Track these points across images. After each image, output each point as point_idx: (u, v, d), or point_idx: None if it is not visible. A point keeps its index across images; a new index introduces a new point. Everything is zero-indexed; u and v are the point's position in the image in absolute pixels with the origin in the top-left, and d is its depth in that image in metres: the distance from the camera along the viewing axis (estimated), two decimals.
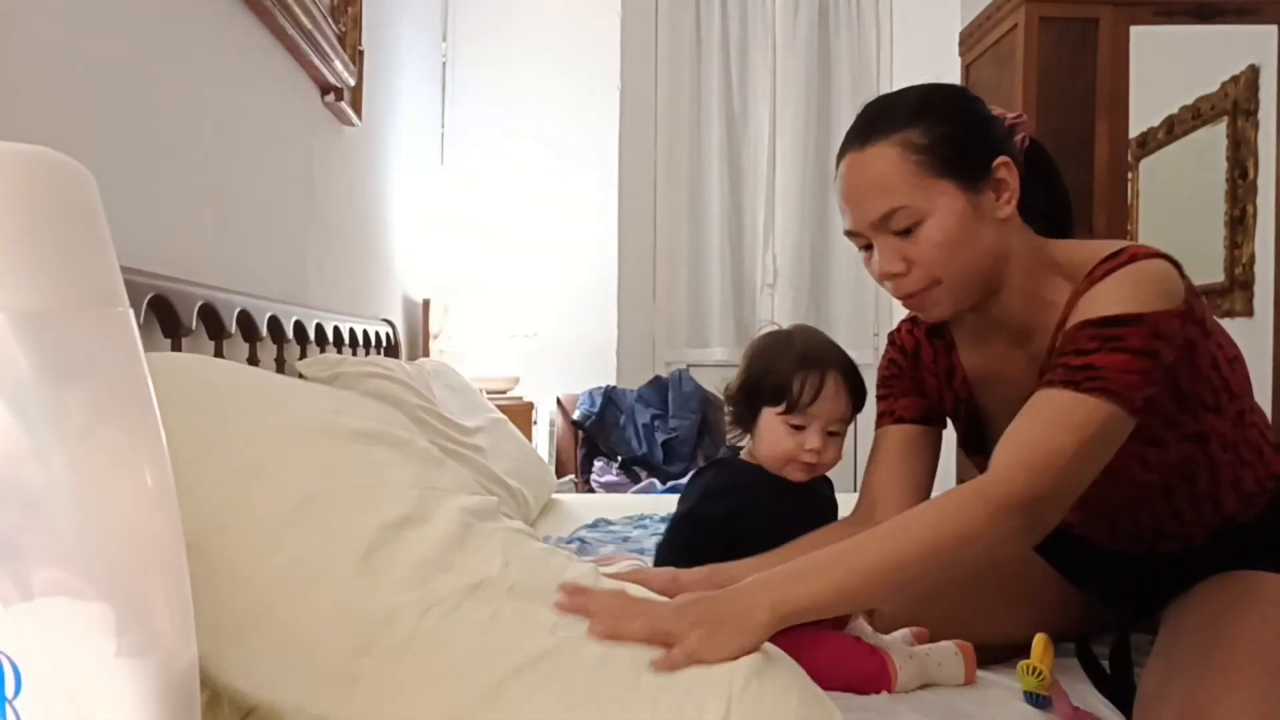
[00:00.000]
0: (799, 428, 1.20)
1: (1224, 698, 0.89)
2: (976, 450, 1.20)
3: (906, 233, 0.99)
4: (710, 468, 1.35)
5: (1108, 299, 0.92)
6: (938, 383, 1.20)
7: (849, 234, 1.08)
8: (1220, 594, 1.02)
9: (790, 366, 1.20)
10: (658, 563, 1.24)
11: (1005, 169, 1.00)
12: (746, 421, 1.26)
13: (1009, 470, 0.87)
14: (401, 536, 0.76)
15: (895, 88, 1.11)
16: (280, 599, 0.70)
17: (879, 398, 1.24)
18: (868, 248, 1.06)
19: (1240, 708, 0.87)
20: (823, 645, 1.00)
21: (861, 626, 1.12)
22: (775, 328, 1.29)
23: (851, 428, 1.27)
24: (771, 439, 1.22)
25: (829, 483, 1.31)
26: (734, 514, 1.21)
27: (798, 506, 1.23)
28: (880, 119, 1.01)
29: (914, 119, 0.99)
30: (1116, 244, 0.99)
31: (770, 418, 1.22)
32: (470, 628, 0.70)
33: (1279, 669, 0.91)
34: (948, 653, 1.09)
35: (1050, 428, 0.89)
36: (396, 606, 0.70)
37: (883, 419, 1.23)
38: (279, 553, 0.72)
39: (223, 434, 0.81)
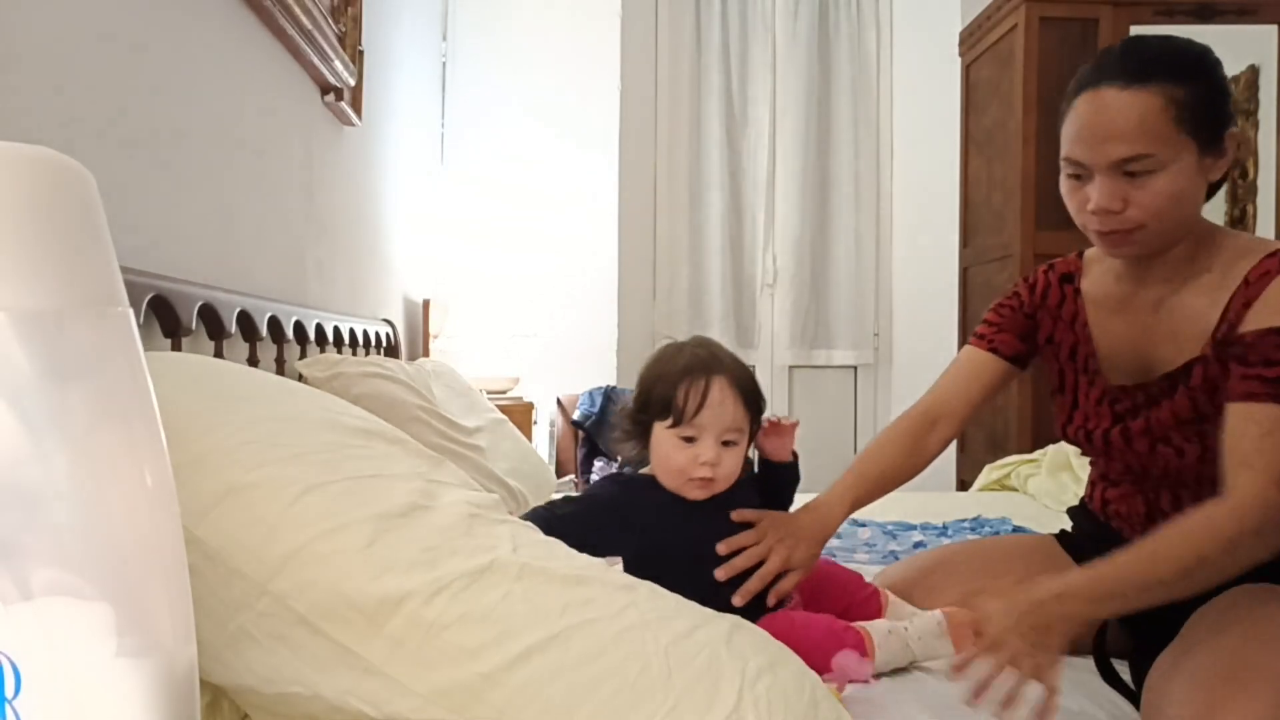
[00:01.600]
0: (690, 440, 1.12)
1: (1234, 699, 0.89)
2: (1058, 390, 1.26)
3: (1135, 175, 1.02)
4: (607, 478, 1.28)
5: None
6: (1054, 324, 1.25)
7: (1069, 161, 1.07)
8: (1239, 601, 1.02)
9: (676, 376, 1.13)
10: None
11: (1231, 140, 1.06)
12: (640, 439, 1.18)
13: (1253, 491, 0.95)
14: (408, 523, 0.77)
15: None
16: (287, 584, 0.71)
17: (986, 321, 1.31)
18: (1078, 177, 1.07)
19: (1251, 710, 0.87)
20: (807, 627, 1.04)
21: (899, 607, 1.16)
22: (670, 340, 1.22)
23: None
24: (663, 454, 1.14)
25: (751, 490, 1.22)
26: (574, 518, 1.12)
27: (695, 527, 1.14)
28: (1151, 65, 1.02)
29: (1181, 74, 1.02)
30: (1270, 242, 1.06)
31: (660, 433, 1.14)
32: (481, 609, 0.71)
33: None
34: (928, 626, 1.09)
35: (1273, 441, 0.96)
36: (407, 589, 0.70)
37: (978, 340, 1.30)
38: (284, 540, 0.72)
39: (226, 423, 0.82)
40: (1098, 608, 0.98)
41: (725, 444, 1.13)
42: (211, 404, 0.85)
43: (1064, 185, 1.10)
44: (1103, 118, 1.03)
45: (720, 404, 1.12)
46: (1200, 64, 1.05)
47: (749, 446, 1.18)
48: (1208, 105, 1.03)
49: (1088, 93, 1.05)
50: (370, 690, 0.68)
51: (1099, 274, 1.22)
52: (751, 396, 1.15)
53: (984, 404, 1.30)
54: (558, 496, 1.26)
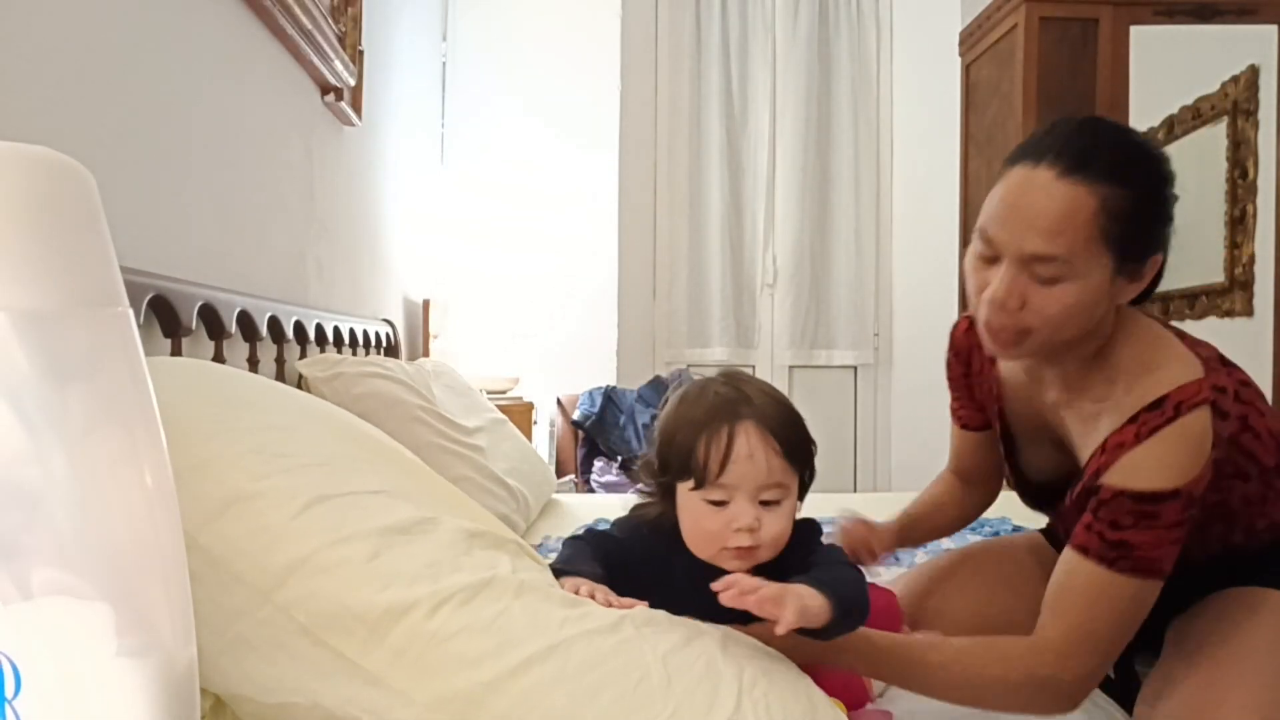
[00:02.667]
0: (720, 504, 0.90)
1: (1226, 701, 0.90)
2: (1008, 455, 1.23)
3: (1043, 281, 0.92)
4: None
5: (1149, 469, 0.91)
6: (982, 390, 1.23)
7: (982, 234, 0.96)
8: (1223, 607, 1.03)
9: (696, 427, 0.91)
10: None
11: (1152, 266, 0.97)
12: (666, 500, 0.95)
13: (1052, 655, 0.92)
14: (411, 539, 0.77)
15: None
16: (290, 594, 0.71)
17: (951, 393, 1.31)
18: (986, 258, 0.96)
19: (1244, 707, 0.88)
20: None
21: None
22: (683, 372, 1.02)
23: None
24: (691, 521, 0.92)
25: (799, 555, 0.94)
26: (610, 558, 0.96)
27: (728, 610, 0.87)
28: (1096, 156, 0.91)
29: (1120, 176, 0.91)
30: (1168, 375, 0.94)
31: (686, 495, 0.92)
32: (482, 621, 0.71)
33: None
34: None
35: (1089, 608, 0.92)
36: (410, 600, 0.71)
37: (952, 415, 1.31)
38: (288, 550, 0.72)
39: (232, 429, 0.82)
40: (882, 673, 0.96)
41: (765, 504, 0.90)
42: (218, 410, 0.85)
43: (970, 258, 0.99)
44: (1028, 200, 0.92)
45: (749, 457, 0.89)
46: (1150, 171, 0.95)
47: (800, 500, 0.94)
48: (1141, 221, 0.93)
49: (1023, 167, 0.94)
50: (371, 699, 0.68)
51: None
52: (794, 442, 0.91)
53: (997, 465, 1.27)
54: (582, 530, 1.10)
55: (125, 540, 0.47)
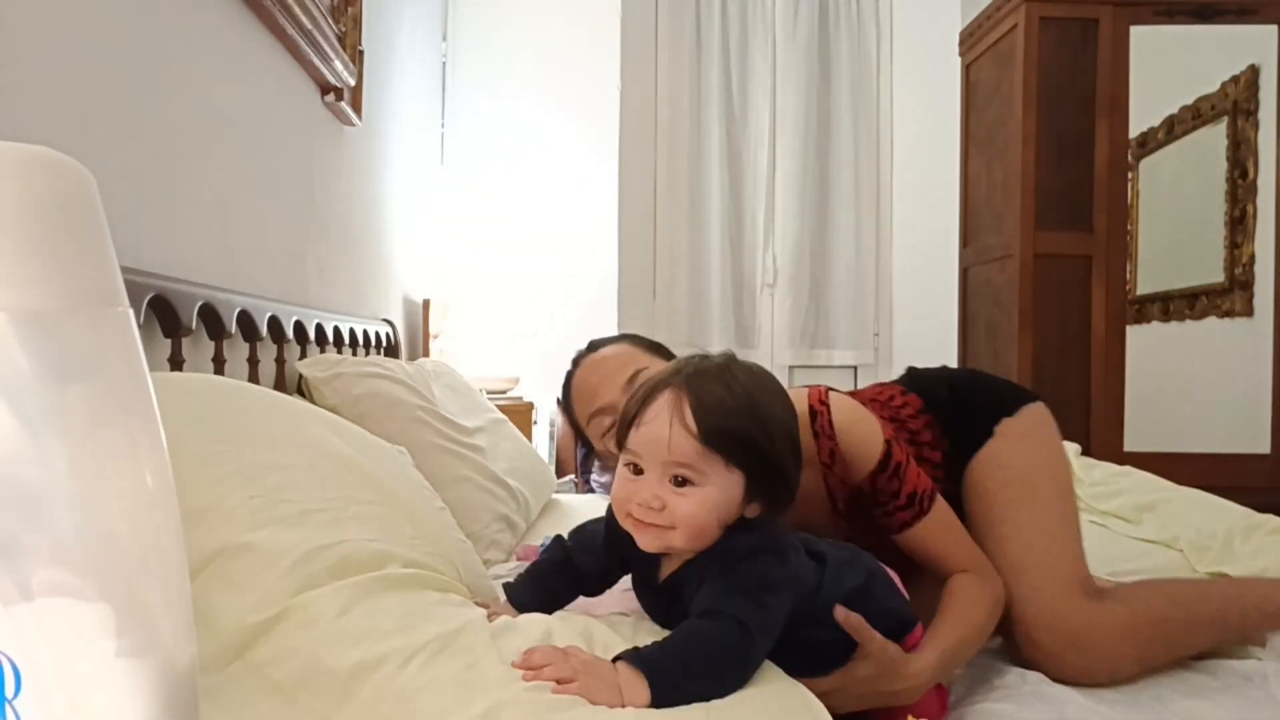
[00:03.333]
0: (637, 471, 0.86)
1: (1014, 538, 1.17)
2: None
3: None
4: None
5: (863, 451, 1.11)
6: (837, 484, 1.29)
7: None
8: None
9: (641, 389, 0.89)
10: None
11: None
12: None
13: (978, 583, 1.11)
14: (392, 590, 0.79)
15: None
16: (267, 652, 0.72)
17: None
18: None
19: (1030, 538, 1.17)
20: None
21: None
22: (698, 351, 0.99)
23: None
24: (614, 482, 0.90)
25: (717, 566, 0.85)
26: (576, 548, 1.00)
27: (648, 597, 0.93)
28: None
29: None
30: (800, 401, 1.09)
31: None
32: (451, 672, 0.71)
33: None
34: None
35: (951, 545, 1.12)
36: (382, 654, 0.71)
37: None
38: (269, 608, 0.74)
39: (236, 473, 0.84)
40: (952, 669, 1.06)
41: (679, 483, 0.84)
42: (220, 449, 0.86)
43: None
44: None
45: (653, 422, 0.84)
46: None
47: (745, 504, 0.86)
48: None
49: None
50: None
51: None
52: (721, 430, 0.83)
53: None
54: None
55: (125, 540, 0.47)
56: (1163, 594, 1.22)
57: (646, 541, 0.85)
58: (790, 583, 0.85)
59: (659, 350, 1.23)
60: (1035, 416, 1.30)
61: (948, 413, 1.29)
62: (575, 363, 1.24)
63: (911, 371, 1.39)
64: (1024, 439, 1.27)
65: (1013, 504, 1.21)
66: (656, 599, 0.91)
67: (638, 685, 0.72)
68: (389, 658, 0.70)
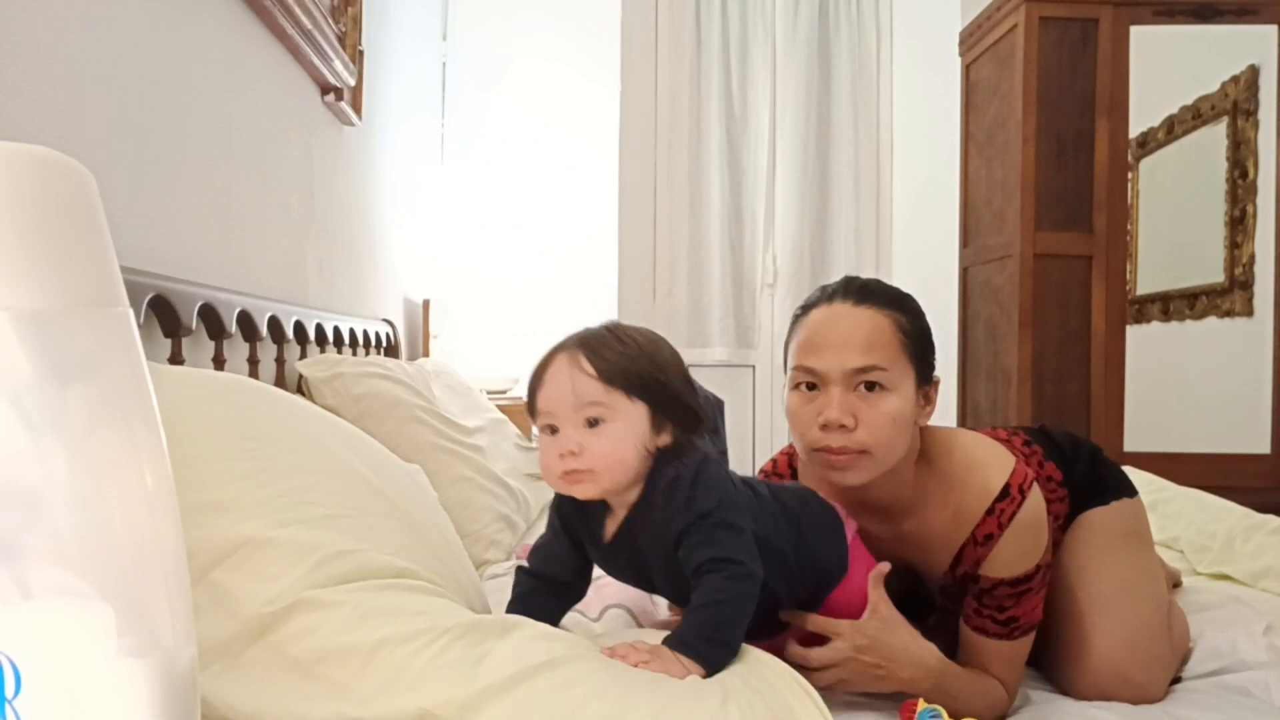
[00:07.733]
0: (553, 431, 0.90)
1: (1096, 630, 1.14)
2: None
3: (869, 389, 1.03)
4: None
5: (1015, 558, 1.07)
6: None
7: (803, 370, 1.06)
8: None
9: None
10: None
11: (936, 388, 1.11)
12: None
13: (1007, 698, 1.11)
14: (413, 593, 0.81)
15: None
16: (286, 632, 0.73)
17: None
18: (811, 386, 1.06)
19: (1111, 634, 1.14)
20: None
21: None
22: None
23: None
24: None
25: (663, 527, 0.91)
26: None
27: (601, 554, 0.98)
28: (869, 291, 1.08)
29: (899, 305, 1.07)
30: (997, 468, 1.08)
31: None
32: (474, 655, 0.73)
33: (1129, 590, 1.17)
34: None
35: (1008, 667, 1.10)
36: (405, 634, 0.73)
37: None
38: (289, 597, 0.75)
39: (264, 469, 0.85)
40: (952, 685, 1.05)
41: (591, 424, 0.88)
42: (247, 446, 0.87)
43: (793, 400, 1.08)
44: (836, 327, 1.05)
45: (553, 380, 0.89)
46: (911, 303, 1.10)
47: (657, 433, 0.91)
48: (923, 340, 1.08)
49: (819, 308, 1.08)
50: (359, 715, 0.70)
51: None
52: (614, 364, 0.89)
53: None
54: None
55: (125, 540, 0.47)
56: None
57: (581, 491, 0.90)
58: (737, 496, 0.93)
59: None
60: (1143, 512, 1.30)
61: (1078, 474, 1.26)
62: None
63: (1045, 431, 1.33)
64: (1137, 518, 1.27)
65: (1119, 551, 1.21)
66: (614, 559, 0.97)
67: (689, 662, 0.81)
68: (418, 635, 0.73)
